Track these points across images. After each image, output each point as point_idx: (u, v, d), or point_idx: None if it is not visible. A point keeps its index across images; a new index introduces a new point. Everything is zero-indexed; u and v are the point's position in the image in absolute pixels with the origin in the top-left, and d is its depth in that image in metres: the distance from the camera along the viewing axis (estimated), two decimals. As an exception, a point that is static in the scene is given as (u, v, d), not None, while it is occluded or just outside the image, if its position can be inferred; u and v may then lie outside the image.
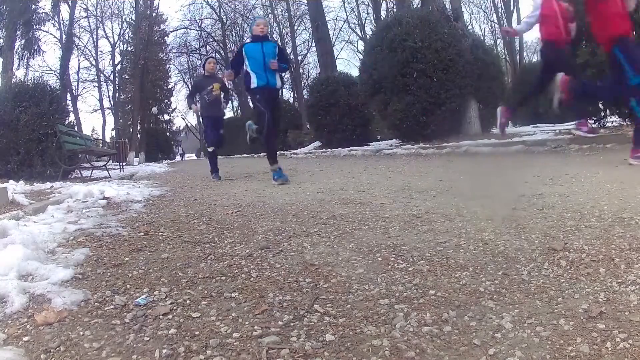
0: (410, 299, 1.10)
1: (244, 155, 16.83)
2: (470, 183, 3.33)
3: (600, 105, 6.09)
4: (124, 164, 11.73)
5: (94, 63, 28.25)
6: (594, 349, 0.81)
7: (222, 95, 5.66)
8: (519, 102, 5.61)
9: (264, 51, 4.11)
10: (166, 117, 32.97)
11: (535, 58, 25.74)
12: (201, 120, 5.76)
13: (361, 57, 12.21)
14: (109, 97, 30.01)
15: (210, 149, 5.80)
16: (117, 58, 28.47)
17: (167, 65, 32.74)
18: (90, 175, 7.19)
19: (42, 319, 1.06)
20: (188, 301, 1.16)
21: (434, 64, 8.25)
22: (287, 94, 29.28)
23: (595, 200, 2.03)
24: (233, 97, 28.26)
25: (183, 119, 37.23)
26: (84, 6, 23.71)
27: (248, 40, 4.54)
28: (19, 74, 16.33)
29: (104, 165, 8.21)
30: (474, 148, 6.27)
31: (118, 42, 27.90)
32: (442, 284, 1.18)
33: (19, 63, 17.38)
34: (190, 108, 5.96)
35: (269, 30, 5.01)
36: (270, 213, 2.42)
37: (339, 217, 2.14)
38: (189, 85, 35.60)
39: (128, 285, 1.31)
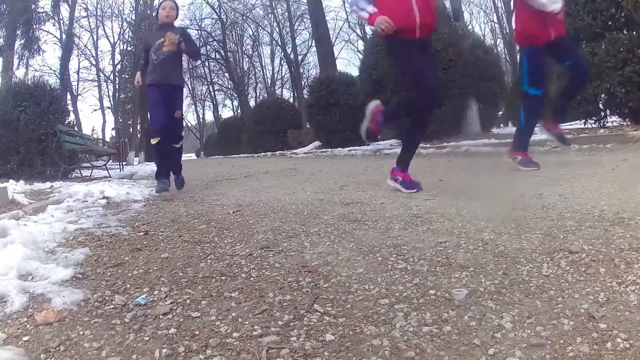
0: (410, 299, 1.10)
1: (244, 155, 16.83)
2: (469, 182, 3.33)
3: (601, 105, 6.09)
4: (124, 163, 11.73)
5: (94, 63, 28.23)
6: (594, 349, 0.81)
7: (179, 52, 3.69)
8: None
9: None
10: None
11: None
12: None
13: (361, 57, 12.20)
14: (109, 97, 30.00)
15: (153, 140, 3.70)
16: (117, 58, 28.46)
17: (167, 65, 32.66)
18: (90, 175, 7.19)
19: (42, 318, 1.06)
20: (188, 301, 1.16)
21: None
22: (287, 93, 29.29)
23: (595, 200, 2.03)
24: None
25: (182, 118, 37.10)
26: (84, 6, 23.68)
27: None
28: (19, 73, 16.32)
29: (104, 165, 8.22)
30: (474, 148, 6.27)
31: (118, 42, 27.89)
32: (442, 284, 1.18)
33: (19, 62, 17.37)
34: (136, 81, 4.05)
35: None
36: (270, 213, 2.42)
37: (339, 216, 2.14)
38: (189, 85, 35.70)
39: (128, 285, 1.31)
